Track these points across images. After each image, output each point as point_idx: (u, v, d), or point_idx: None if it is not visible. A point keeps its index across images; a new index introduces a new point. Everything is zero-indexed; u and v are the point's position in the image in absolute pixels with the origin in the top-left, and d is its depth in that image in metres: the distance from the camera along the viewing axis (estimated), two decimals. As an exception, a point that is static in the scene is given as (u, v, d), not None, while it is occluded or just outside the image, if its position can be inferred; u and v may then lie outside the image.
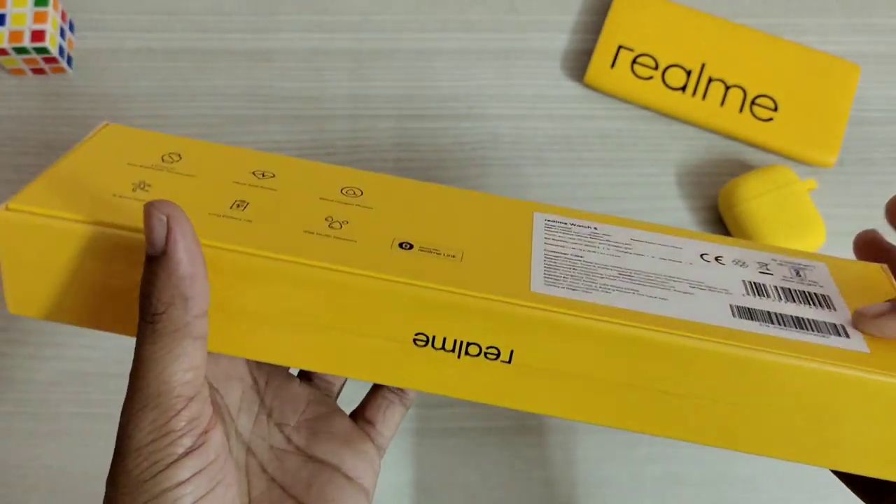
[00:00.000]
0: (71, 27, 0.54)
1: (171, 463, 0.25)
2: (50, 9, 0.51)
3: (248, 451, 0.31)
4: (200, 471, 0.25)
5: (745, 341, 0.26)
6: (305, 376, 0.35)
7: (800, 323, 0.28)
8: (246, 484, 0.30)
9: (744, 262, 0.30)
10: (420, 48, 0.55)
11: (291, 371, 0.34)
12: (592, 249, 0.29)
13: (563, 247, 0.29)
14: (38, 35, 0.50)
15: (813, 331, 0.27)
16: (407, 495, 0.47)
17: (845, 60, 0.54)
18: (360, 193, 0.30)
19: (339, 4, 0.56)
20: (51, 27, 0.51)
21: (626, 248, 0.30)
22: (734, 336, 0.26)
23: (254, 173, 0.31)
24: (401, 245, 0.28)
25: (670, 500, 0.47)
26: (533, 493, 0.47)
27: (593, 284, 0.28)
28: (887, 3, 0.57)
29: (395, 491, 0.47)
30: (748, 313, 0.28)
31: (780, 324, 0.27)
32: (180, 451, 0.25)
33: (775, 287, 0.29)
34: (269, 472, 0.31)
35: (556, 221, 0.31)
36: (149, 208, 0.24)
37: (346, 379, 0.35)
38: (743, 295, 0.29)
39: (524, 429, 0.48)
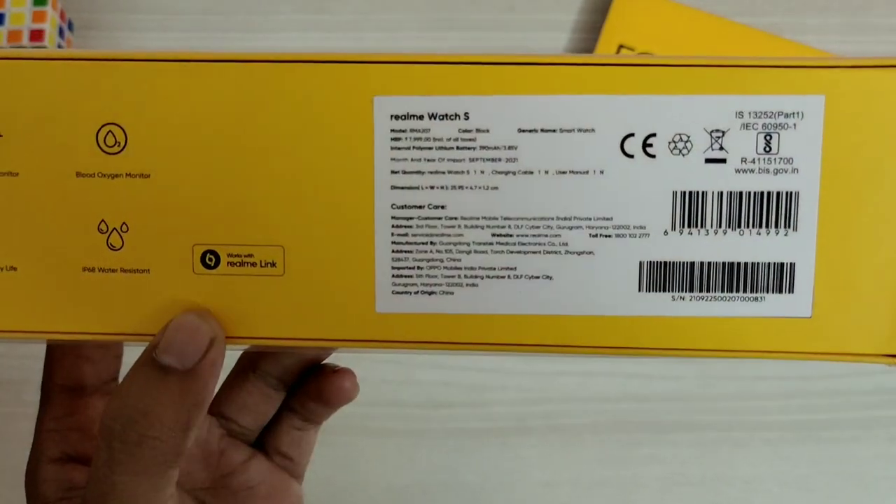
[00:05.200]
0: (70, 26, 0.54)
1: None
2: (49, 8, 0.51)
3: None
4: None
5: (639, 342, 0.23)
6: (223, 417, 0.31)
7: (731, 280, 0.23)
8: None
9: (687, 138, 0.22)
10: (419, 48, 0.55)
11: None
12: (460, 180, 0.23)
13: (416, 191, 0.23)
14: (36, 34, 0.50)
15: (744, 291, 0.22)
16: (406, 497, 0.47)
17: (845, 60, 0.54)
18: (124, 141, 0.23)
19: (338, 3, 0.56)
20: (49, 27, 0.50)
21: (508, 161, 0.22)
22: (627, 337, 0.23)
23: None
24: (203, 259, 0.23)
25: (670, 500, 0.47)
26: (533, 494, 0.47)
27: (457, 273, 0.23)
28: (887, 3, 0.57)
29: (394, 493, 0.47)
30: (661, 279, 0.23)
31: (702, 289, 0.23)
32: None
33: (718, 196, 0.22)
34: None
35: (408, 116, 0.22)
36: (195, 321, 0.22)
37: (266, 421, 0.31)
38: (665, 233, 0.22)
39: (524, 429, 0.48)
